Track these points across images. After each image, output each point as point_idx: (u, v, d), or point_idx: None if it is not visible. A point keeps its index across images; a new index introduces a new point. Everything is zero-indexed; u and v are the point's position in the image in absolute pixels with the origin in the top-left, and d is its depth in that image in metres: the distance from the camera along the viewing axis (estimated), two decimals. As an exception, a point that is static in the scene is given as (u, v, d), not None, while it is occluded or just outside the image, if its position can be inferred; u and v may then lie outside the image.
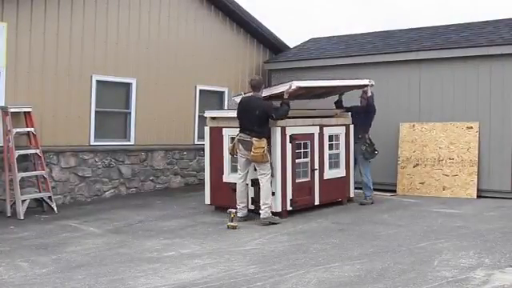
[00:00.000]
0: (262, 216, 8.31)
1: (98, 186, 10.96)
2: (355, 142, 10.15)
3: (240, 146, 8.53)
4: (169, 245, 7.25)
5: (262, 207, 8.32)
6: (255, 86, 8.67)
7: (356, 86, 10.29)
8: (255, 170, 8.59)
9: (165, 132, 12.00)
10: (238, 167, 8.72)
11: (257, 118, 8.40)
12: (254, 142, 8.29)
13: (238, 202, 8.63)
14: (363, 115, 10.17)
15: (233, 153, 8.78)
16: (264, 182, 8.39)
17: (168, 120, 12.03)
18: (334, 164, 9.86)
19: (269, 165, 8.44)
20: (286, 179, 8.86)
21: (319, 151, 9.52)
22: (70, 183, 10.52)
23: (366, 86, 10.14)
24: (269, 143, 8.48)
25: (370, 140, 10.18)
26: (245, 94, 9.19)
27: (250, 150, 8.31)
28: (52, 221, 8.95)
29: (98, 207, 10.08)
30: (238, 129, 8.67)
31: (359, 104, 10.39)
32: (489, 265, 6.04)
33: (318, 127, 9.54)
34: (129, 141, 11.44)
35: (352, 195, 10.26)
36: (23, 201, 9.34)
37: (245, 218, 8.57)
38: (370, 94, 10.12)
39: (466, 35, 11.72)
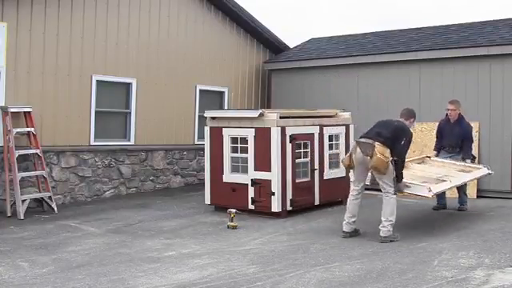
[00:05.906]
0: (382, 234, 7.27)
1: (98, 186, 10.96)
2: (450, 154, 9.39)
3: (357, 149, 7.34)
4: (169, 245, 7.25)
5: (385, 223, 7.30)
6: (403, 115, 7.89)
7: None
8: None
9: (165, 132, 12.00)
10: (352, 179, 7.69)
11: (391, 131, 7.40)
12: (376, 145, 7.15)
13: (347, 215, 7.60)
14: (453, 131, 9.34)
15: (349, 164, 7.54)
16: (390, 196, 7.34)
17: (168, 120, 12.03)
18: (334, 164, 9.85)
19: (392, 178, 7.31)
20: (285, 179, 8.87)
21: (319, 151, 9.52)
22: (70, 183, 10.52)
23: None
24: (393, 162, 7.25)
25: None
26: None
27: (370, 156, 7.14)
28: (52, 221, 8.95)
29: (98, 207, 10.08)
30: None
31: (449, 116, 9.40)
32: (489, 265, 6.04)
33: (318, 127, 9.54)
34: (129, 141, 11.44)
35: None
36: (23, 201, 9.34)
37: (350, 234, 7.55)
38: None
39: (466, 35, 11.72)
